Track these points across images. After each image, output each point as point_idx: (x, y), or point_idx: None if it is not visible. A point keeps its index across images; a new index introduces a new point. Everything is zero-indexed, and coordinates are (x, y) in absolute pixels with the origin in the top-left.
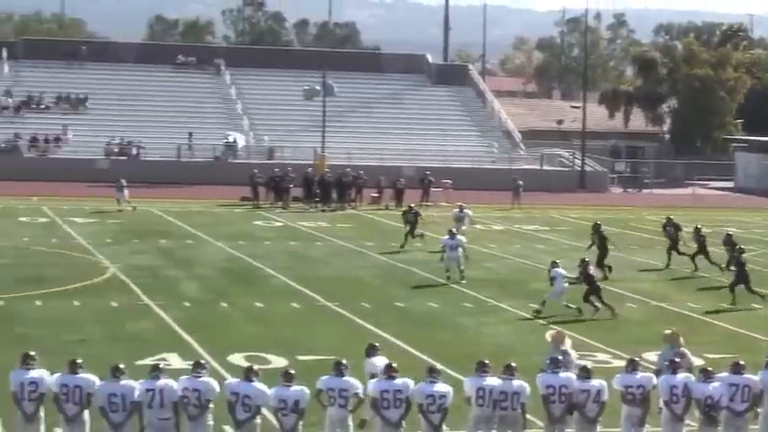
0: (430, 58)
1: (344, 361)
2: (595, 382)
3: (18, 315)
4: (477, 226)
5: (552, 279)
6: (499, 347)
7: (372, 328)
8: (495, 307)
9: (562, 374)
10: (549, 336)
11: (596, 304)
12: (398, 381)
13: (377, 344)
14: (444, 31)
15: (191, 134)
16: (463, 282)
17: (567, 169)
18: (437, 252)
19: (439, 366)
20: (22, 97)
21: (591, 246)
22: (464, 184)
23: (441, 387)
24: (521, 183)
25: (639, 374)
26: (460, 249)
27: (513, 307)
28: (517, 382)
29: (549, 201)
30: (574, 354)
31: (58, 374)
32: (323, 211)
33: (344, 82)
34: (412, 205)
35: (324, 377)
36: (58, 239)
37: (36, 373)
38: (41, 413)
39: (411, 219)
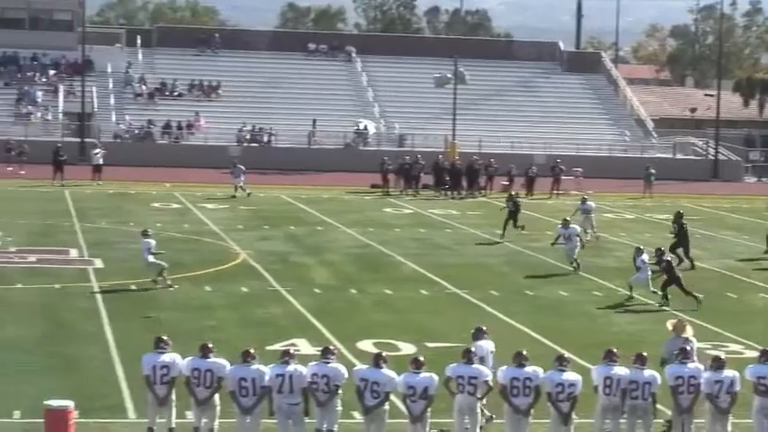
0: (562, 45)
1: (474, 348)
2: (728, 373)
3: (151, 300)
4: (608, 215)
5: (638, 268)
6: (629, 337)
7: (501, 316)
8: (625, 296)
9: (690, 365)
10: (669, 324)
11: (689, 295)
12: (528, 369)
13: (484, 327)
14: (577, 18)
15: (314, 121)
16: (578, 272)
17: (700, 158)
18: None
19: (567, 355)
20: (156, 84)
21: (674, 234)
22: (595, 173)
23: (570, 376)
24: (653, 171)
25: None
26: (577, 239)
27: (644, 296)
28: (648, 372)
29: (682, 190)
30: (695, 342)
31: (189, 358)
32: (453, 198)
33: (476, 69)
34: (513, 193)
35: (453, 364)
36: (189, 225)
37: (168, 356)
38: (173, 397)
39: (511, 207)
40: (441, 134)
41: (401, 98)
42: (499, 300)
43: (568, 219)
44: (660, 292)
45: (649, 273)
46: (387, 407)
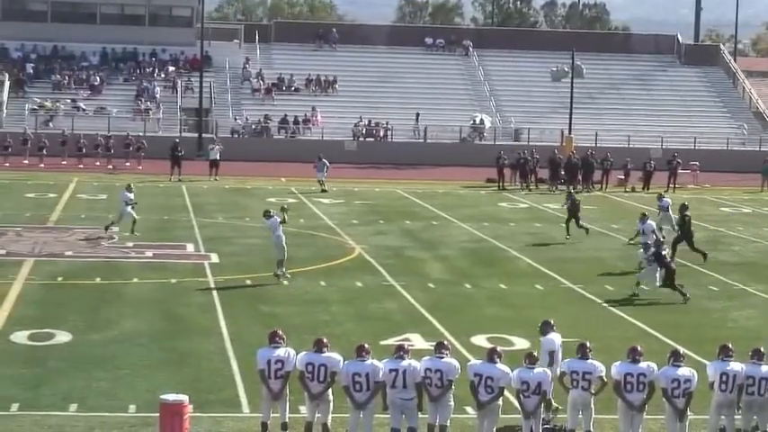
0: (680, 38)
1: (588, 344)
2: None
3: (266, 294)
4: (725, 209)
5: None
6: (745, 332)
7: (614, 311)
8: (742, 291)
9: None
10: None
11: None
12: (642, 364)
13: (551, 320)
14: (695, 10)
15: (418, 115)
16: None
17: None
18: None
19: (683, 350)
20: (273, 80)
21: (678, 228)
22: (712, 167)
23: (686, 371)
24: None
25: None
26: (653, 235)
27: (761, 291)
28: (766, 368)
29: None
30: None
31: (303, 353)
32: (569, 193)
33: (593, 63)
34: (571, 191)
35: (567, 359)
36: (305, 220)
37: (283, 351)
38: (287, 391)
39: (570, 207)
40: (557, 128)
41: (517, 92)
42: (614, 295)
43: (646, 213)
44: (674, 288)
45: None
46: (500, 402)
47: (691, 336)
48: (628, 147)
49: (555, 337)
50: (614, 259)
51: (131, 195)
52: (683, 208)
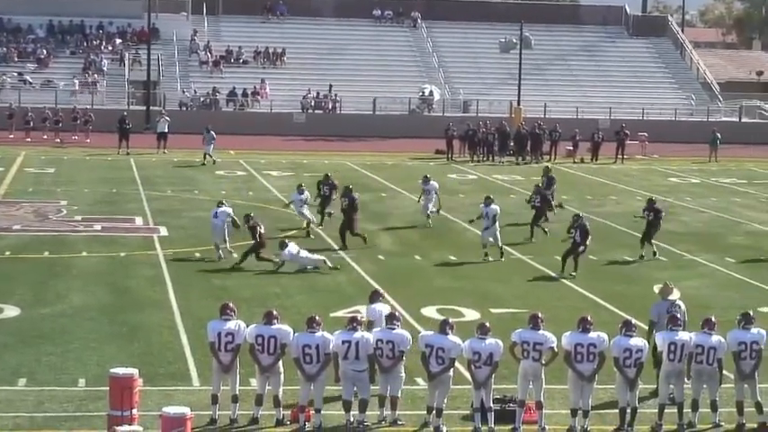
0: (628, 9)
1: (540, 314)
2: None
3: (216, 267)
4: (673, 179)
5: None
6: (694, 301)
7: (565, 282)
8: (690, 261)
9: (754, 330)
10: (656, 288)
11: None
12: (593, 334)
13: (380, 290)
14: None
15: (331, 86)
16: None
17: (766, 122)
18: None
19: (634, 321)
20: (221, 52)
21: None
22: (661, 137)
23: (637, 341)
24: (719, 135)
25: None
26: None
27: (710, 261)
28: (716, 338)
29: (748, 154)
30: (683, 305)
31: (254, 326)
32: (517, 164)
33: (541, 34)
34: (548, 165)
35: (518, 330)
36: (254, 193)
37: (233, 323)
38: (237, 364)
39: (547, 184)
40: (506, 100)
41: (466, 64)
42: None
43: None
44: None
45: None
46: (451, 373)
47: (641, 306)
48: (576, 118)
49: (381, 307)
50: (563, 230)
51: (303, 196)
52: (651, 202)
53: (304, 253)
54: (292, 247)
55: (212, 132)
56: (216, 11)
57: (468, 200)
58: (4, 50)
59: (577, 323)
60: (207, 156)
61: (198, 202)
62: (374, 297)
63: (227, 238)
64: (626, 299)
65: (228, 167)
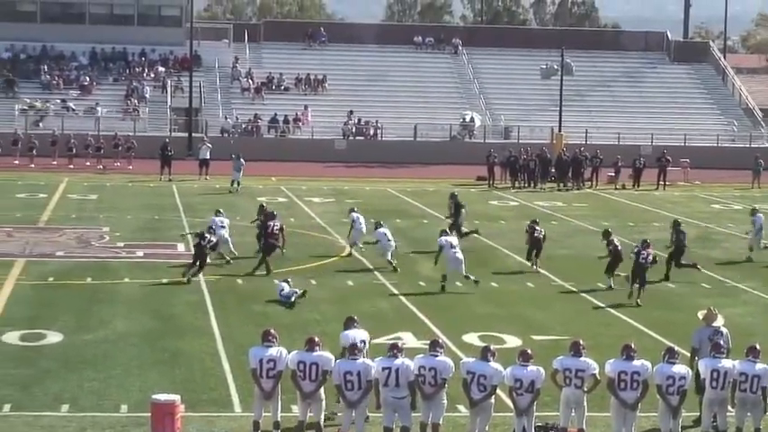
0: (669, 35)
1: (582, 341)
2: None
3: (257, 294)
4: (716, 206)
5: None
6: (739, 329)
7: (608, 309)
8: (733, 288)
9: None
10: (700, 314)
11: None
12: (636, 362)
13: (355, 316)
14: (685, 7)
15: (351, 112)
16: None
17: None
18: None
19: (677, 348)
20: (262, 79)
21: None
22: (703, 163)
23: (680, 368)
24: (761, 162)
25: None
26: None
27: (753, 288)
28: (761, 366)
29: None
30: (726, 332)
31: (295, 352)
32: (558, 190)
33: (582, 60)
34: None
35: (560, 357)
36: (296, 219)
37: (275, 350)
38: (279, 390)
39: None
40: (546, 126)
41: (507, 90)
42: (606, 292)
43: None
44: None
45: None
46: (493, 400)
47: (683, 333)
48: (618, 144)
49: (356, 333)
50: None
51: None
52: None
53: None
54: (286, 288)
55: (242, 159)
56: (257, 38)
57: (508, 226)
58: (47, 78)
59: (621, 350)
60: (235, 183)
61: (240, 229)
62: (348, 323)
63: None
64: (669, 325)
65: (270, 194)
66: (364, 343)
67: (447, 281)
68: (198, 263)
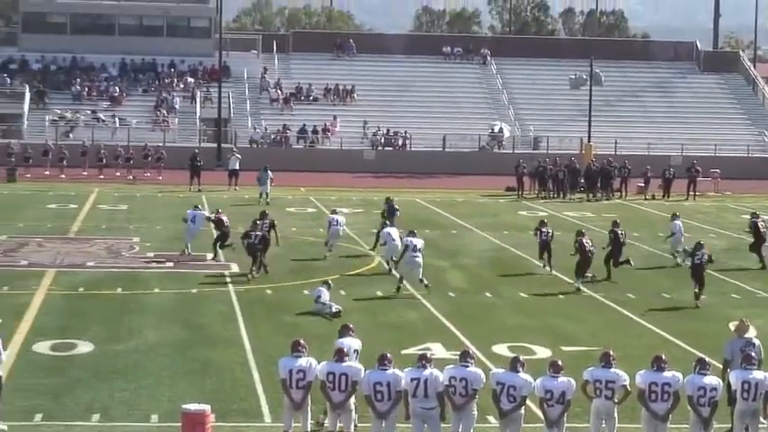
0: (699, 44)
1: (612, 352)
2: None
3: (287, 304)
4: (746, 216)
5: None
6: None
7: (638, 319)
8: (765, 299)
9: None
10: (732, 325)
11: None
12: (667, 373)
13: (351, 325)
14: (714, 16)
15: (365, 122)
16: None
17: None
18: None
19: (708, 359)
20: (291, 89)
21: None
22: (733, 174)
23: (712, 379)
24: None
25: None
26: None
27: None
28: None
29: None
30: (758, 343)
31: (325, 363)
32: (588, 201)
33: (611, 70)
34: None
35: (590, 368)
36: (324, 230)
37: (304, 360)
38: (309, 401)
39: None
40: (576, 136)
41: (536, 100)
42: (636, 302)
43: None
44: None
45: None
46: (523, 411)
47: (714, 344)
48: (648, 154)
49: (350, 342)
50: (636, 268)
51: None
52: (614, 224)
53: (325, 298)
54: (325, 294)
55: (269, 171)
56: (286, 49)
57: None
58: (77, 89)
59: (651, 362)
60: (263, 194)
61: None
62: (343, 331)
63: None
64: (699, 336)
65: (299, 204)
66: (357, 352)
67: (402, 282)
68: (254, 259)
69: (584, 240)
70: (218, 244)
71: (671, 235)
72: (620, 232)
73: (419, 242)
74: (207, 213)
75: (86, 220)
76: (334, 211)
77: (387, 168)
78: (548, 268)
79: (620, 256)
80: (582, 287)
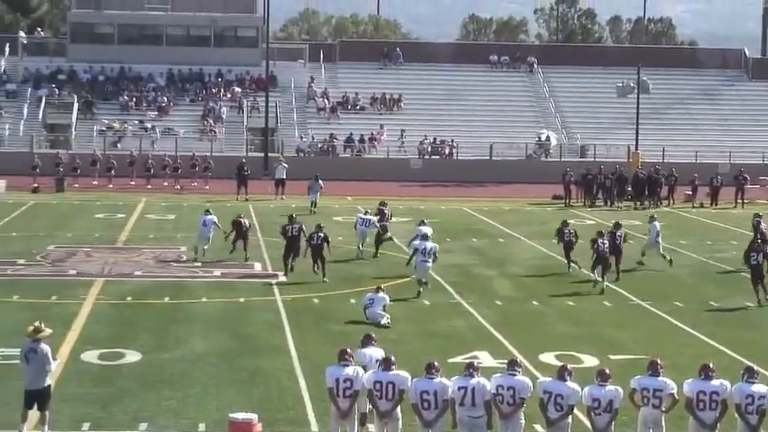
0: (747, 52)
1: (659, 361)
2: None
3: (333, 312)
4: None
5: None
6: None
7: (685, 328)
8: None
9: None
10: None
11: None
12: (715, 382)
13: (373, 335)
14: (762, 24)
15: (402, 131)
16: None
17: None
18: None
19: (756, 367)
20: (338, 98)
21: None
22: None
23: (760, 388)
24: None
25: None
26: None
27: None
28: None
29: None
30: None
31: (372, 371)
32: (635, 209)
33: (659, 78)
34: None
35: (638, 376)
36: (371, 238)
37: (351, 369)
38: (355, 409)
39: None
40: (623, 144)
41: (583, 108)
42: (684, 311)
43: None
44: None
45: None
46: (570, 420)
47: (762, 353)
48: (695, 162)
49: (372, 351)
50: (685, 276)
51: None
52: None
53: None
54: (378, 305)
55: (320, 181)
56: (333, 58)
57: (585, 245)
58: (125, 99)
59: (699, 370)
60: (313, 203)
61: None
62: (366, 341)
63: (209, 242)
64: (747, 345)
65: (346, 213)
66: (378, 362)
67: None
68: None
69: (599, 240)
70: (235, 242)
71: (653, 238)
72: (618, 234)
73: (430, 245)
74: (216, 220)
75: (134, 230)
76: (366, 212)
77: (434, 177)
78: (571, 269)
79: (620, 258)
80: (597, 277)
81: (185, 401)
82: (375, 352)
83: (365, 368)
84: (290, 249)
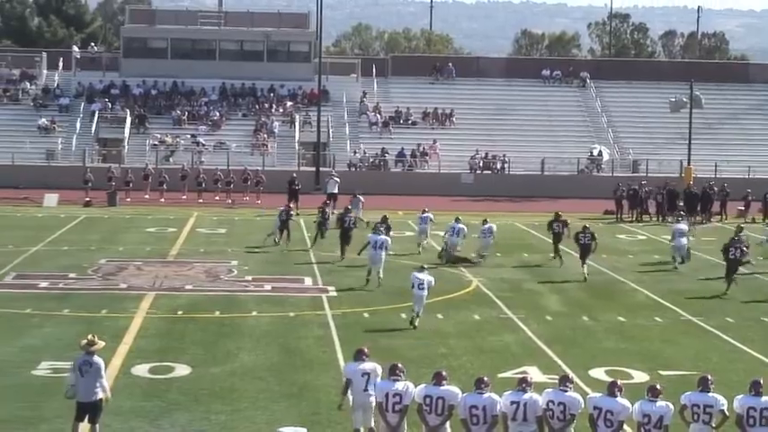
0: None
1: (710, 377)
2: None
3: (384, 327)
4: None
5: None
6: None
7: (737, 344)
8: None
9: None
10: None
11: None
12: (766, 398)
13: (365, 349)
14: None
15: (434, 141)
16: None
17: None
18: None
19: None
20: (390, 113)
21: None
22: None
23: None
24: None
25: None
26: None
27: None
28: None
29: None
30: None
31: (422, 386)
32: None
33: (712, 93)
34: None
35: (688, 392)
36: (422, 254)
37: (401, 384)
38: (404, 424)
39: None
40: (675, 159)
41: (635, 123)
42: (735, 327)
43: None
44: None
45: None
46: None
47: None
48: (748, 177)
49: (365, 365)
50: (735, 291)
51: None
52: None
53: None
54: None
55: (360, 197)
56: (385, 72)
57: (636, 260)
58: (177, 113)
59: (750, 386)
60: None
61: (366, 263)
62: (357, 355)
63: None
64: None
65: (397, 228)
66: (368, 375)
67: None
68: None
69: (579, 235)
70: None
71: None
72: (581, 235)
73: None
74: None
75: (185, 244)
76: (424, 210)
77: (485, 192)
78: (558, 261)
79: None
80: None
81: (234, 416)
82: (365, 366)
83: (349, 382)
84: (344, 237)
